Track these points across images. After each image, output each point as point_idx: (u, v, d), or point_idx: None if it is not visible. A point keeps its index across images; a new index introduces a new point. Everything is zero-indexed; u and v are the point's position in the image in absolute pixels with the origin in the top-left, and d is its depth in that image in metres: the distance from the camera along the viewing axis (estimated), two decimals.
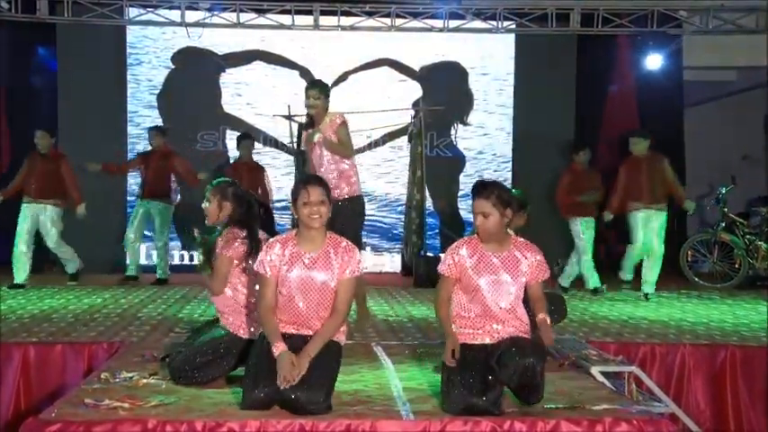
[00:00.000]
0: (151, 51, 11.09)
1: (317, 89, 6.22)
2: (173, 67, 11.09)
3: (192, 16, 10.34)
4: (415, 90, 11.27)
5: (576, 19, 10.29)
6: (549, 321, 4.02)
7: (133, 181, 10.27)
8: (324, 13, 10.30)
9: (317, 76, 11.02)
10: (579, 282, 9.15)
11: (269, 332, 3.96)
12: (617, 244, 10.15)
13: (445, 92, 11.21)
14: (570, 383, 4.44)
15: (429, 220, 10.79)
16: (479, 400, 3.72)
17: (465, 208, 11.21)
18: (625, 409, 3.88)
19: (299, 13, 10.31)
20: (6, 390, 5.40)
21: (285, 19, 10.36)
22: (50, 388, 5.35)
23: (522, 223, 4.96)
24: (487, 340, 3.98)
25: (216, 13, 10.34)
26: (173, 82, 11.08)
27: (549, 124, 11.04)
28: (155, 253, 9.49)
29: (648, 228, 8.31)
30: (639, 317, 7.21)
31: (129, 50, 11.01)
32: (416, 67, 11.30)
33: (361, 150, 11.24)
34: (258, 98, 11.17)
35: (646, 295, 8.41)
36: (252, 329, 4.40)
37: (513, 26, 10.58)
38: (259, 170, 9.56)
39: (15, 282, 8.56)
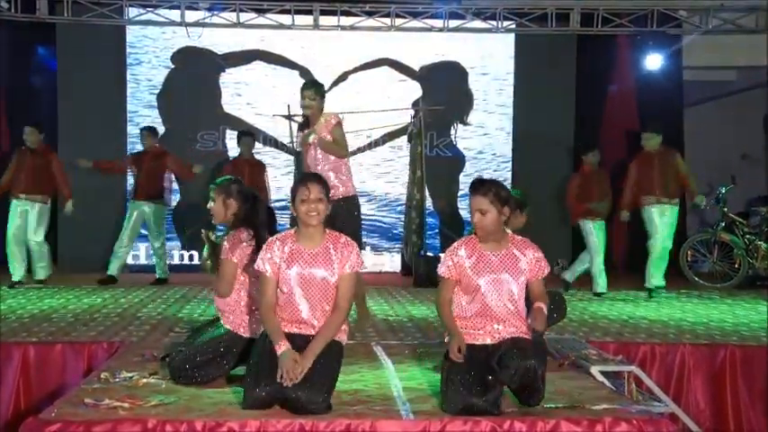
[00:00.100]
0: (151, 51, 11.09)
1: (313, 90, 6.23)
2: (172, 66, 11.09)
3: (191, 16, 10.34)
4: (414, 90, 11.27)
5: (575, 19, 10.30)
6: (545, 311, 4.01)
7: (133, 180, 10.21)
8: (323, 12, 10.30)
9: (316, 76, 11.03)
10: (579, 282, 9.14)
11: (271, 331, 3.97)
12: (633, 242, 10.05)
13: (445, 92, 11.21)
14: (570, 383, 4.44)
15: (429, 219, 10.79)
16: (479, 401, 3.72)
17: (465, 208, 11.21)
18: (625, 409, 3.88)
19: (298, 12, 10.31)
20: (6, 389, 5.40)
21: (285, 19, 10.36)
22: (50, 388, 5.36)
23: (521, 224, 4.95)
24: (488, 340, 3.98)
25: (216, 12, 10.33)
26: (172, 82, 11.08)
27: (548, 124, 11.05)
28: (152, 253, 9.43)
29: (661, 221, 8.28)
30: (639, 317, 7.21)
31: (128, 50, 11.01)
32: (416, 67, 11.30)
33: (361, 150, 11.26)
34: (258, 98, 11.18)
35: (649, 291, 8.40)
36: (252, 328, 4.41)
37: (513, 26, 10.58)
38: (260, 167, 9.50)
39: (14, 280, 8.55)
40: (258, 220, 4.51)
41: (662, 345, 5.89)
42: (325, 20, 10.38)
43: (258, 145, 10.56)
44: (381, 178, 11.35)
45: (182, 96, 10.99)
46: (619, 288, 8.84)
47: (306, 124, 6.32)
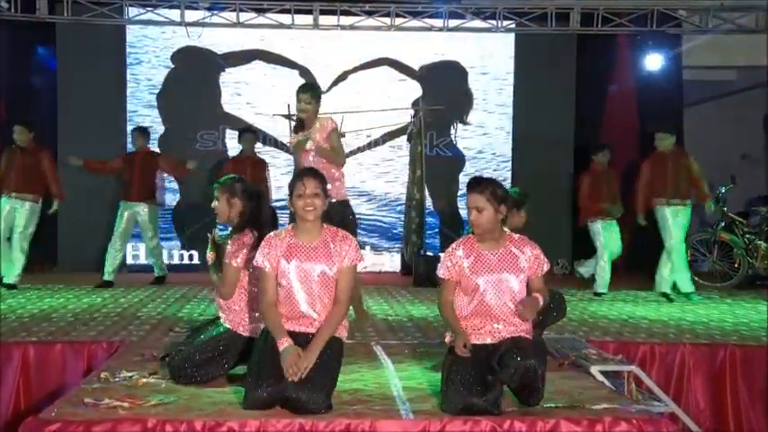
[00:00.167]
0: (151, 51, 11.09)
1: (309, 93, 6.22)
2: (172, 66, 11.08)
3: (191, 16, 10.34)
4: (414, 89, 11.27)
5: (575, 18, 10.29)
6: (539, 302, 4.00)
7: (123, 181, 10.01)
8: (323, 12, 10.30)
9: (316, 76, 11.08)
10: (579, 282, 9.15)
11: (273, 327, 3.97)
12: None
13: (445, 91, 11.21)
14: (570, 383, 4.44)
15: (429, 219, 10.80)
16: (479, 400, 3.72)
17: (465, 207, 11.05)
18: (625, 409, 3.88)
19: (298, 12, 10.31)
20: (6, 389, 5.40)
21: (285, 18, 10.36)
22: (50, 387, 5.36)
23: (520, 222, 4.95)
24: (488, 340, 3.98)
25: (215, 12, 10.33)
26: (172, 81, 11.08)
27: (548, 124, 11.05)
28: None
29: (675, 222, 8.17)
30: (639, 316, 7.21)
31: (128, 50, 11.01)
32: (416, 67, 11.30)
33: (361, 150, 11.27)
34: (258, 97, 11.17)
35: (665, 294, 8.31)
36: (252, 327, 4.40)
37: (513, 25, 10.57)
38: (262, 166, 9.44)
39: (5, 282, 8.44)
40: (263, 218, 4.50)
41: (662, 344, 5.89)
42: (324, 19, 10.37)
43: (258, 144, 10.55)
44: (381, 178, 11.35)
45: (181, 96, 10.99)
46: (619, 288, 8.83)
47: (300, 126, 6.31)
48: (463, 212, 11.16)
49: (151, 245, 9.28)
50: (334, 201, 5.91)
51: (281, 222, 4.93)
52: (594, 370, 4.85)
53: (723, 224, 9.68)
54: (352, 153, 11.18)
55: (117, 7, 10.11)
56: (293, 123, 6.67)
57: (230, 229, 4.58)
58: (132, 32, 10.95)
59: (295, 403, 3.72)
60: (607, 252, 8.59)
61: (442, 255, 4.23)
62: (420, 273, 9.50)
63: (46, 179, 8.60)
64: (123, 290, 8.49)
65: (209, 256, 4.59)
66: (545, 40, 10.86)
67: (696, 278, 9.44)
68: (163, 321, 6.57)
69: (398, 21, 10.37)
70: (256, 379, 3.82)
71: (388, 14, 10.30)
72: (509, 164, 11.35)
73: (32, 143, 8.62)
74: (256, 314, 4.37)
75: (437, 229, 11.19)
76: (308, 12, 10.28)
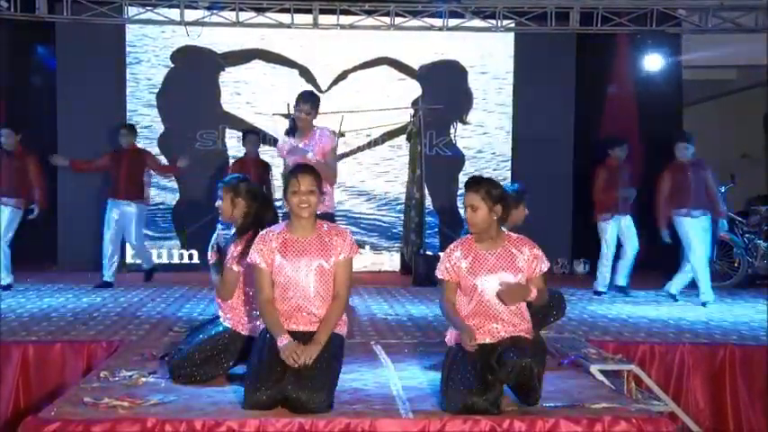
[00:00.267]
0: (150, 50, 11.08)
1: (310, 104, 6.24)
2: (172, 65, 11.07)
3: (191, 15, 10.32)
4: (414, 89, 11.26)
5: (575, 18, 10.29)
6: (530, 292, 3.99)
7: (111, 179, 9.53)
8: (323, 11, 10.29)
9: (316, 75, 11.09)
10: (579, 281, 9.15)
11: (271, 324, 3.97)
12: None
13: (444, 91, 11.21)
14: (569, 382, 4.45)
15: (428, 218, 10.79)
16: (479, 400, 3.72)
17: (464, 206, 11.18)
18: (624, 408, 3.88)
19: (298, 11, 10.30)
20: (6, 388, 5.41)
21: (284, 18, 10.35)
22: (50, 387, 5.36)
23: (521, 218, 4.93)
24: (487, 340, 3.98)
25: (215, 11, 10.32)
26: (172, 81, 11.07)
27: (548, 123, 11.05)
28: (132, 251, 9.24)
29: (696, 232, 7.96)
30: (639, 316, 7.21)
31: (128, 49, 11.00)
32: (416, 66, 11.29)
33: (361, 149, 11.26)
34: (257, 97, 11.16)
35: (672, 295, 8.25)
36: (252, 326, 4.40)
37: (513, 25, 10.57)
38: (265, 167, 9.44)
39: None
40: (266, 220, 4.49)
41: (661, 344, 5.90)
42: (324, 19, 10.36)
43: None
44: (381, 177, 11.34)
45: (181, 95, 10.98)
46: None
47: (293, 130, 6.32)
48: (463, 212, 11.14)
49: (136, 245, 9.14)
50: (319, 212, 5.93)
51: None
52: (594, 369, 4.85)
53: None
54: (352, 152, 11.19)
55: (116, 6, 10.10)
56: (286, 127, 6.67)
57: (233, 228, 4.57)
58: (132, 32, 10.93)
59: (295, 403, 3.73)
60: (608, 253, 8.54)
61: (441, 254, 4.24)
62: (420, 272, 9.50)
63: (32, 184, 8.46)
64: (123, 289, 8.49)
65: (211, 255, 4.59)
66: (545, 40, 10.85)
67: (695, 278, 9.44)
68: (162, 321, 6.57)
69: (398, 20, 10.36)
70: (255, 381, 3.82)
71: (387, 14, 10.29)
72: (508, 163, 11.35)
73: (20, 147, 8.49)
74: (256, 313, 4.36)
75: (437, 229, 11.18)
76: (308, 11, 10.27)
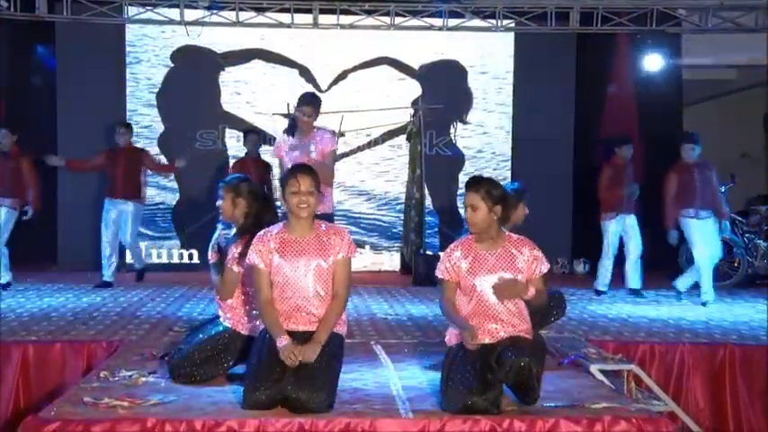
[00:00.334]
0: (150, 50, 11.08)
1: (312, 107, 6.28)
2: (172, 65, 11.07)
3: (191, 15, 10.32)
4: (414, 89, 11.26)
5: (575, 17, 10.29)
6: (527, 290, 3.99)
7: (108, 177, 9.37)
8: (323, 11, 10.29)
9: (316, 75, 11.09)
10: (580, 281, 9.14)
11: (270, 325, 3.97)
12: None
13: (444, 90, 11.21)
14: (569, 382, 4.45)
15: (428, 218, 10.79)
16: (478, 399, 3.72)
17: (464, 206, 11.18)
18: (624, 408, 3.88)
19: (298, 11, 10.30)
20: (6, 388, 5.41)
21: (284, 17, 10.35)
22: (50, 386, 5.36)
23: (522, 217, 4.93)
24: (487, 340, 3.97)
25: (215, 11, 10.32)
26: (172, 80, 11.07)
27: (548, 123, 11.05)
28: (128, 252, 9.13)
29: (703, 233, 7.92)
30: (639, 315, 7.21)
31: (128, 49, 10.99)
32: (416, 66, 11.29)
33: (361, 149, 11.26)
34: (257, 96, 11.16)
35: (678, 292, 8.22)
36: (252, 325, 4.40)
37: (513, 24, 10.57)
38: (266, 167, 9.42)
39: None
40: (267, 220, 4.49)
41: (661, 344, 5.90)
42: (324, 18, 10.36)
43: None
44: (381, 177, 11.34)
45: (181, 95, 10.98)
46: (619, 287, 8.81)
47: (293, 129, 6.34)
48: (463, 212, 11.14)
49: (128, 241, 8.99)
50: (319, 213, 5.94)
51: None
52: (594, 369, 4.85)
53: None
54: (352, 152, 11.19)
55: (116, 6, 10.10)
56: (285, 126, 6.69)
57: (234, 228, 4.57)
58: (132, 31, 10.93)
59: (295, 403, 3.73)
60: (610, 252, 8.49)
61: (441, 254, 4.24)
62: (420, 272, 9.50)
63: (27, 185, 8.39)
64: (123, 289, 8.49)
65: (212, 255, 4.59)
66: (545, 40, 10.85)
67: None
68: (162, 320, 6.57)
69: (398, 20, 10.36)
70: (254, 381, 3.82)
71: (387, 13, 10.29)
72: (508, 163, 11.35)
73: (15, 147, 8.46)
74: (255, 312, 4.36)
75: (436, 229, 11.19)
76: (308, 11, 10.27)
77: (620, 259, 8.66)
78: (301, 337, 3.96)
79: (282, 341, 3.87)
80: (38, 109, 10.90)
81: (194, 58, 11.03)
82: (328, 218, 6.35)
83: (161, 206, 10.92)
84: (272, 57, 11.17)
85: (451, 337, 4.12)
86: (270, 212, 4.60)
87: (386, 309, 7.50)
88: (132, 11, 10.26)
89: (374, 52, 11.20)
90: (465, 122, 11.42)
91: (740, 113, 12.23)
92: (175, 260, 10.74)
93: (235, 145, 10.87)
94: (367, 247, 11.05)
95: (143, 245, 10.64)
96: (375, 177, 11.33)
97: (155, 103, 11.05)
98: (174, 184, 10.90)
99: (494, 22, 10.38)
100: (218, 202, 4.58)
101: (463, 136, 11.41)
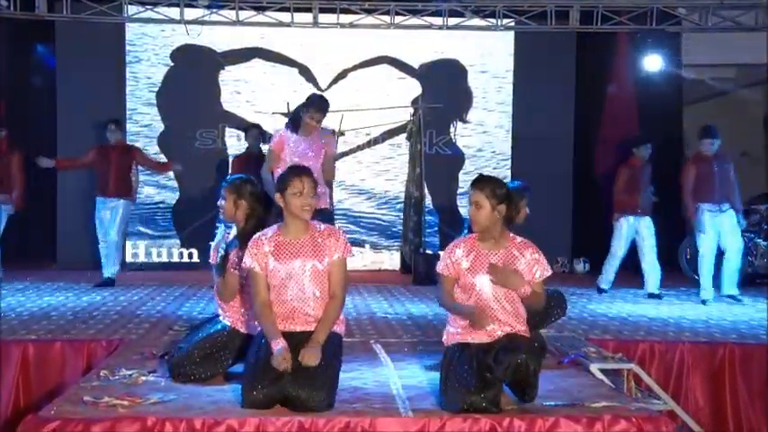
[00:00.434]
0: (150, 49, 11.07)
1: (322, 113, 6.39)
2: (172, 64, 11.06)
3: (190, 14, 10.32)
4: (414, 88, 11.26)
5: (575, 16, 10.28)
6: (526, 291, 4.00)
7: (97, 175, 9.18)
8: (323, 10, 10.28)
9: (316, 74, 11.09)
10: (580, 280, 9.14)
11: (267, 328, 3.98)
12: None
13: (444, 89, 11.20)
14: (569, 381, 4.45)
15: (428, 217, 10.79)
16: (477, 398, 3.73)
17: (464, 206, 11.17)
18: (624, 407, 3.88)
19: (298, 10, 10.30)
20: (6, 387, 5.40)
21: (284, 16, 10.35)
22: (49, 385, 5.36)
23: (523, 215, 4.92)
24: (485, 339, 3.98)
25: (215, 10, 10.32)
26: (172, 80, 11.06)
27: (548, 122, 11.05)
28: (103, 250, 8.74)
29: (723, 226, 7.91)
30: (639, 314, 7.21)
31: (128, 48, 10.99)
32: (416, 65, 11.29)
33: (361, 148, 11.26)
34: (257, 96, 11.16)
35: (733, 297, 8.05)
36: (251, 324, 4.40)
37: (513, 23, 10.56)
38: None
39: None
40: (269, 223, 4.48)
41: (661, 343, 5.90)
42: (324, 17, 10.36)
43: None
44: (381, 176, 11.34)
45: (181, 94, 10.97)
46: (619, 286, 8.81)
47: (296, 126, 6.37)
48: (463, 211, 11.16)
49: (115, 239, 8.74)
50: (320, 208, 5.97)
51: None
52: (594, 368, 4.85)
53: None
54: (352, 151, 11.18)
55: (116, 5, 10.09)
56: (286, 121, 6.72)
57: (234, 228, 4.56)
58: (132, 30, 10.93)
59: (295, 401, 3.73)
60: (649, 248, 8.36)
61: (441, 253, 4.24)
62: (419, 271, 9.50)
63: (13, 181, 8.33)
64: (123, 288, 8.49)
65: (213, 256, 4.59)
66: (545, 39, 10.85)
67: (696, 276, 9.42)
68: (162, 319, 6.57)
69: (398, 19, 10.36)
70: (252, 380, 3.83)
71: (387, 12, 10.29)
72: (508, 162, 11.34)
73: (5, 143, 8.41)
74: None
75: (436, 228, 11.19)
76: (308, 10, 10.27)
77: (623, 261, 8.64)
78: (299, 338, 3.96)
79: (278, 344, 3.87)
80: (37, 108, 10.89)
81: (194, 57, 11.02)
82: (328, 214, 6.39)
83: (161, 205, 10.91)
84: (271, 56, 11.17)
85: (449, 336, 4.12)
86: (271, 214, 4.59)
87: (386, 308, 7.50)
88: (132, 10, 10.25)
89: (374, 51, 11.19)
90: (465, 121, 11.41)
91: (740, 112, 12.21)
92: (175, 259, 10.73)
93: (235, 144, 10.87)
94: (367, 246, 11.05)
95: (142, 244, 10.66)
96: (375, 176, 11.33)
97: (154, 102, 11.05)
98: (174, 184, 10.89)
99: (494, 21, 10.38)
100: (220, 202, 4.58)
101: (463, 135, 11.41)
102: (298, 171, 4.14)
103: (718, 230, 7.99)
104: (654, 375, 5.58)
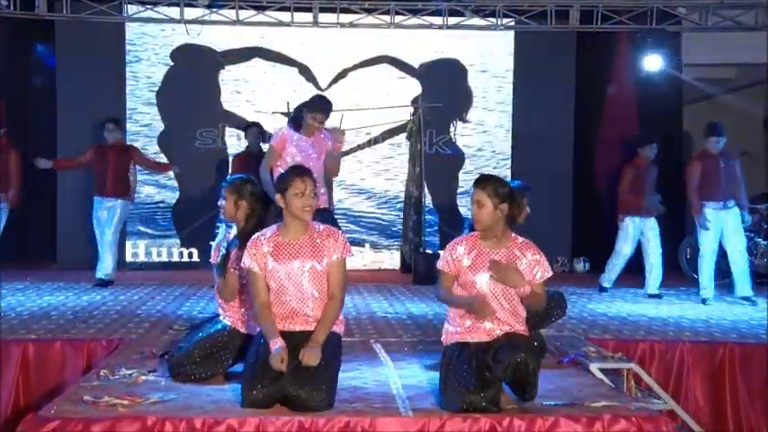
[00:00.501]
0: (150, 48, 11.07)
1: (324, 114, 6.38)
2: (172, 64, 11.06)
3: (190, 13, 10.31)
4: (414, 87, 11.26)
5: (575, 16, 10.27)
6: (526, 290, 4.00)
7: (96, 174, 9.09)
8: (323, 9, 10.27)
9: (316, 74, 11.08)
10: (580, 280, 9.14)
11: (265, 328, 3.98)
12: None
13: (444, 89, 11.20)
14: (569, 380, 4.45)
15: (428, 217, 10.80)
16: (477, 398, 3.73)
17: (464, 205, 11.21)
18: (624, 406, 3.89)
19: (298, 9, 10.29)
20: (6, 387, 5.41)
21: (284, 16, 10.34)
22: (49, 385, 5.36)
23: (523, 214, 4.92)
24: (484, 338, 3.98)
25: (215, 10, 10.32)
26: (172, 79, 11.06)
27: (548, 121, 11.04)
28: (103, 249, 8.67)
29: (727, 226, 7.89)
30: (638, 314, 7.21)
31: (127, 47, 10.99)
32: (416, 65, 11.29)
33: (361, 147, 11.25)
34: (257, 95, 11.15)
35: (747, 298, 7.94)
36: (252, 324, 4.41)
37: (513, 23, 10.56)
38: None
39: None
40: (269, 222, 4.49)
41: (661, 342, 5.91)
42: (324, 17, 10.35)
43: None
44: (381, 175, 11.34)
45: (181, 94, 10.97)
46: (619, 285, 8.81)
47: (298, 125, 6.38)
48: (463, 210, 11.17)
49: (109, 239, 8.66)
50: (320, 207, 5.97)
51: None
52: (594, 368, 4.85)
53: None
54: (352, 151, 11.17)
55: (116, 5, 10.09)
56: (288, 119, 6.73)
57: (235, 227, 4.56)
58: (132, 30, 10.93)
59: (295, 401, 3.73)
60: (654, 249, 8.34)
61: (441, 252, 4.24)
62: (420, 270, 9.50)
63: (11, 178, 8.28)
64: (123, 287, 8.49)
65: (214, 256, 4.59)
66: (545, 38, 10.85)
67: (696, 276, 9.42)
68: (162, 319, 6.57)
69: (398, 18, 10.36)
70: (251, 379, 3.83)
71: (387, 12, 10.28)
72: (508, 161, 11.34)
73: (3, 141, 8.35)
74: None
75: (436, 227, 11.19)
76: (308, 9, 10.26)
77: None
78: (299, 337, 3.97)
79: (276, 343, 3.87)
80: (37, 107, 10.89)
81: (194, 56, 11.02)
82: (329, 214, 6.39)
83: (161, 204, 10.91)
84: (271, 55, 11.17)
85: (448, 336, 4.12)
86: (273, 215, 4.59)
87: (386, 307, 7.50)
88: (132, 9, 10.25)
89: (374, 51, 11.19)
90: (465, 121, 11.41)
91: (740, 112, 12.20)
92: (175, 258, 10.73)
93: (235, 143, 10.86)
94: (367, 245, 11.05)
95: (142, 243, 10.66)
96: (375, 176, 11.33)
97: (154, 101, 11.05)
98: (174, 183, 10.89)
99: (494, 20, 10.37)
100: (221, 202, 4.58)
101: (463, 134, 11.41)
102: (299, 172, 4.13)
103: (721, 228, 7.96)
104: (654, 375, 5.59)
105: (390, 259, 11.12)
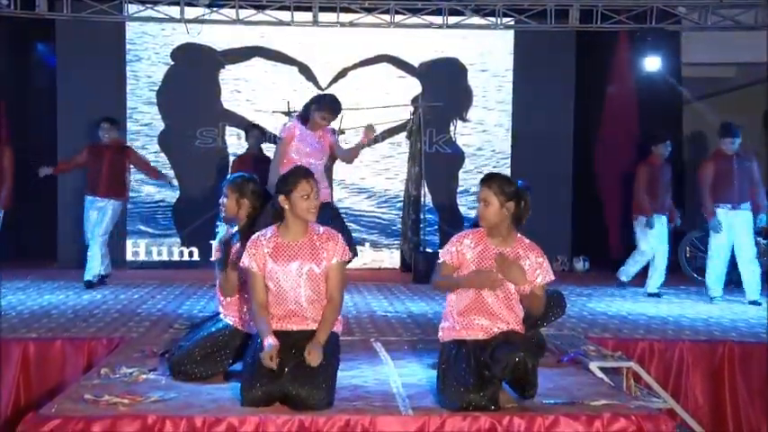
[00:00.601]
0: (150, 48, 11.07)
1: (333, 115, 6.47)
2: (172, 63, 11.06)
3: (191, 12, 10.31)
4: (414, 86, 11.26)
5: (575, 15, 10.27)
6: (526, 289, 4.01)
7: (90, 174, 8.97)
8: (323, 9, 10.27)
9: (316, 73, 11.09)
10: (579, 279, 9.13)
11: (260, 327, 4.00)
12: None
13: (444, 88, 11.20)
14: (569, 379, 4.46)
15: (428, 216, 10.80)
16: (476, 396, 3.74)
17: (464, 204, 11.22)
18: (623, 405, 3.89)
19: (298, 9, 10.29)
20: (6, 385, 5.41)
21: (284, 15, 10.34)
22: (50, 384, 5.37)
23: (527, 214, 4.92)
24: (481, 336, 3.98)
25: (215, 9, 10.32)
26: (172, 78, 11.06)
27: (548, 121, 11.04)
28: (94, 249, 8.46)
29: (737, 226, 7.76)
30: (638, 313, 7.22)
31: (128, 47, 10.99)
32: (415, 64, 11.29)
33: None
34: (257, 94, 11.16)
35: (753, 302, 7.75)
36: (251, 324, 4.41)
37: (512, 22, 10.56)
38: (267, 163, 9.29)
39: None
40: (271, 221, 4.49)
41: (661, 341, 5.91)
42: (324, 16, 10.35)
43: None
44: (381, 175, 11.34)
45: (181, 93, 10.97)
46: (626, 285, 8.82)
47: (305, 120, 6.43)
48: (463, 209, 11.17)
49: (98, 240, 8.47)
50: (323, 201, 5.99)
51: None
52: (593, 366, 4.86)
53: None
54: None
55: (116, 4, 10.08)
56: (297, 114, 6.75)
57: (236, 226, 4.57)
58: (132, 29, 10.93)
59: (295, 400, 3.74)
60: (661, 249, 8.29)
61: (441, 251, 4.24)
62: (419, 269, 9.50)
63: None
64: (123, 286, 8.50)
65: (216, 252, 4.60)
66: (544, 37, 10.85)
67: (695, 275, 9.45)
68: (163, 318, 6.58)
69: (398, 18, 10.36)
70: (250, 378, 3.84)
71: (387, 11, 10.28)
72: (508, 161, 11.34)
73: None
74: None
75: (436, 226, 11.19)
76: (308, 9, 10.26)
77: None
78: (296, 337, 3.98)
79: (268, 340, 3.88)
80: (38, 107, 10.88)
81: (194, 55, 11.02)
82: (333, 209, 6.41)
83: (161, 204, 10.91)
84: (272, 54, 11.17)
85: (445, 332, 4.13)
86: (266, 212, 4.59)
87: (385, 306, 7.51)
88: (132, 9, 10.25)
89: (374, 50, 11.20)
90: (465, 120, 11.41)
91: (740, 111, 12.20)
92: (176, 257, 10.74)
93: (235, 143, 10.87)
94: (367, 244, 11.05)
95: (142, 242, 10.66)
96: (375, 175, 11.33)
97: (155, 100, 11.05)
98: (175, 182, 10.88)
99: (493, 19, 10.37)
100: (222, 201, 4.59)
101: (463, 134, 11.41)
102: (305, 173, 4.14)
103: (732, 230, 7.81)
104: (653, 374, 5.60)
105: (390, 258, 11.13)
